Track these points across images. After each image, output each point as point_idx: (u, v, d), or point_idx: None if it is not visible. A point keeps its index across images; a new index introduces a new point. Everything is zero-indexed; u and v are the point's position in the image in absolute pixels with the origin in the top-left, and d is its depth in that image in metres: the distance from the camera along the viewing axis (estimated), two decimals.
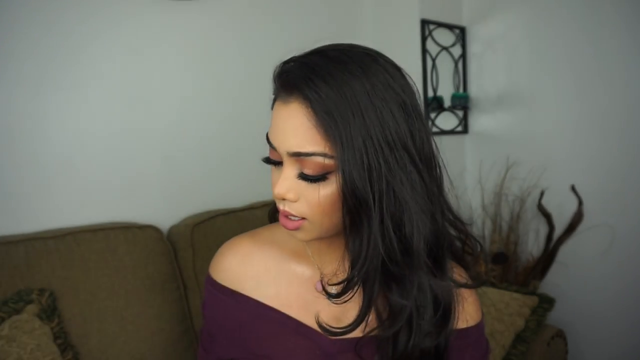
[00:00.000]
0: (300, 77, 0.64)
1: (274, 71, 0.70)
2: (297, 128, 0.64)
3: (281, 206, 0.69)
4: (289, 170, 0.67)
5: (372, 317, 0.71)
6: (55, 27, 1.48)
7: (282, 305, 0.78)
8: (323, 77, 0.63)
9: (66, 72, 1.51)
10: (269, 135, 0.69)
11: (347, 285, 0.68)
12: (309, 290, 0.78)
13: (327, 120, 0.62)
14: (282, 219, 0.70)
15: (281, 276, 0.79)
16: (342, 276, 0.71)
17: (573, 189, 2.10)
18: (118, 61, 1.60)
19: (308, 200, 0.67)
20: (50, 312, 1.28)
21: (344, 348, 0.75)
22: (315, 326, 0.74)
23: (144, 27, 1.65)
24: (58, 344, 1.25)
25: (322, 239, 0.73)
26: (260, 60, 1.91)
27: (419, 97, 0.70)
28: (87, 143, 1.55)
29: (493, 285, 1.97)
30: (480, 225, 2.27)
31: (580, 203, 2.07)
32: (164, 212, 1.68)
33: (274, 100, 0.70)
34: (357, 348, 0.73)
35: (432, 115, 2.28)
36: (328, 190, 0.65)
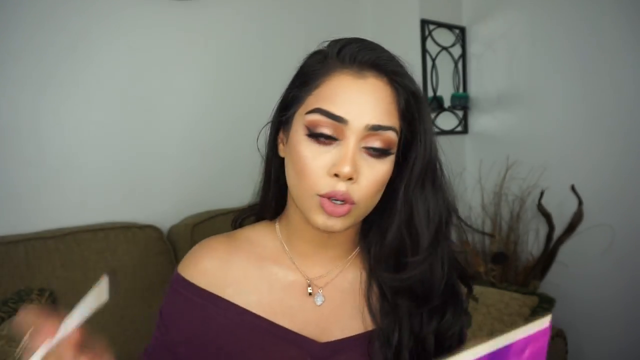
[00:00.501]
0: (384, 55, 0.68)
1: (343, 45, 0.69)
2: (379, 102, 0.66)
3: (342, 188, 0.65)
4: (355, 147, 0.65)
5: (365, 312, 0.73)
6: (55, 27, 1.48)
7: (266, 312, 0.72)
8: (396, 59, 0.70)
9: (66, 72, 1.51)
10: (331, 109, 0.65)
11: (419, 262, 0.70)
12: (293, 296, 0.74)
13: (410, 95, 0.69)
14: (328, 205, 0.65)
15: (262, 282, 0.74)
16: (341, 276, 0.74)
17: (573, 189, 2.10)
18: (118, 61, 1.60)
19: (367, 179, 0.66)
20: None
21: (335, 351, 0.72)
22: (303, 332, 0.72)
23: (145, 26, 1.65)
24: None
25: (309, 240, 0.74)
26: (260, 60, 1.91)
27: None
28: (87, 143, 1.55)
29: (493, 285, 1.97)
30: (480, 225, 2.27)
31: (580, 203, 2.07)
32: (164, 212, 1.68)
33: (325, 74, 0.67)
34: (369, 343, 0.71)
35: (432, 115, 2.28)
36: (386, 167, 0.68)
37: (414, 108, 0.69)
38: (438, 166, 0.72)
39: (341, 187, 0.64)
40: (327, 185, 0.65)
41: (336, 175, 0.64)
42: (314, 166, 0.65)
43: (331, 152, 0.65)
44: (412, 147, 0.70)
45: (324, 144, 0.65)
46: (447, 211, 0.73)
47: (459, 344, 0.75)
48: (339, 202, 0.65)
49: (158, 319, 0.77)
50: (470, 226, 0.78)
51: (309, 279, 0.75)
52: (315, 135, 0.66)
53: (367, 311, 0.73)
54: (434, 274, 0.72)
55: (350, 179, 0.65)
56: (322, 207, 0.65)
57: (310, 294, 0.74)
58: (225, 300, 0.73)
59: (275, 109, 0.74)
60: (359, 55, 0.67)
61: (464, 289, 0.78)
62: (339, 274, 0.75)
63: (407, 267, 0.71)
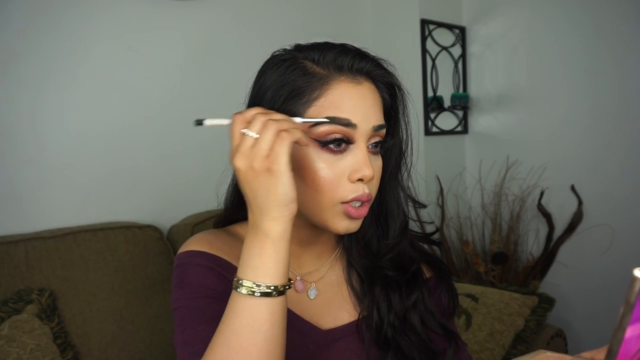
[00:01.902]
0: (371, 60, 0.71)
1: (349, 53, 0.69)
2: (376, 103, 0.70)
3: (366, 190, 0.67)
4: (366, 148, 0.68)
5: (353, 300, 0.78)
6: (55, 27, 1.48)
7: None
8: (377, 59, 0.73)
9: (66, 72, 1.51)
10: (341, 116, 0.66)
11: (390, 247, 0.77)
12: (289, 290, 0.75)
13: (393, 89, 0.74)
14: (354, 211, 0.67)
15: None
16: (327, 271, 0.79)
17: (573, 189, 2.10)
18: (118, 61, 1.60)
19: (376, 175, 0.70)
20: (50, 312, 1.28)
21: (336, 338, 0.75)
22: (307, 318, 0.75)
23: (143, 26, 1.65)
24: (58, 344, 1.25)
25: (303, 237, 0.76)
26: (260, 59, 1.91)
27: None
28: (87, 143, 1.55)
29: (493, 285, 1.97)
30: (480, 225, 2.27)
31: (580, 203, 2.07)
32: (164, 212, 1.68)
33: (323, 83, 0.67)
34: (358, 329, 0.75)
35: (432, 115, 2.28)
36: (381, 160, 0.72)
37: (398, 102, 0.75)
38: (407, 156, 0.78)
39: (365, 189, 0.68)
40: (351, 190, 0.67)
41: (359, 179, 0.67)
42: (332, 176, 0.67)
43: (345, 158, 0.67)
44: (389, 140, 0.76)
45: (337, 152, 0.67)
46: (412, 199, 0.80)
47: (449, 316, 0.81)
48: (359, 204, 0.68)
49: (183, 299, 0.69)
50: (423, 204, 0.82)
51: (300, 275, 0.78)
52: (328, 145, 0.66)
53: (353, 299, 0.78)
54: (404, 254, 0.78)
55: (372, 179, 0.68)
56: (348, 214, 0.68)
57: (295, 290, 0.77)
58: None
59: None
60: (354, 62, 0.69)
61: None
62: (329, 270, 0.79)
63: (380, 253, 0.78)
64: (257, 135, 0.58)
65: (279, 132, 0.58)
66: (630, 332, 0.34)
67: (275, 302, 0.60)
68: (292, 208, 0.60)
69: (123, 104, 1.61)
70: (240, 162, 0.59)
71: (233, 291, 0.60)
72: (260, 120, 0.59)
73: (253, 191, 0.59)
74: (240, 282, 0.60)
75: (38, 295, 1.28)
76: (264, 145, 0.58)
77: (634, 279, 0.33)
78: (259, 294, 0.59)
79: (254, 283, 0.59)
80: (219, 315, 0.63)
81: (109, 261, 1.43)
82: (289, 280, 0.62)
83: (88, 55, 1.54)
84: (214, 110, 1.83)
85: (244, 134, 0.59)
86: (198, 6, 1.76)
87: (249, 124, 0.60)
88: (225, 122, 0.63)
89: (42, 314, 1.26)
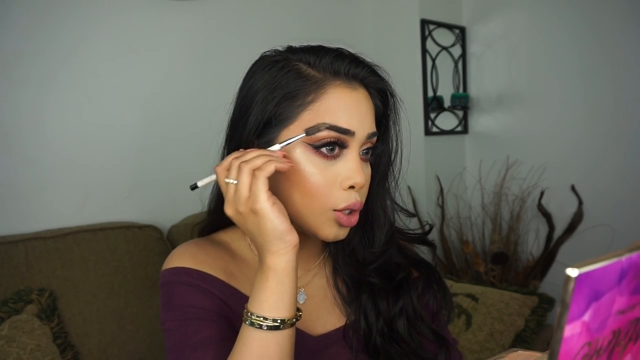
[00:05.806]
0: (365, 66, 0.70)
1: (345, 59, 0.68)
2: (369, 110, 0.69)
3: (358, 198, 0.67)
4: (358, 155, 0.68)
5: (340, 305, 0.77)
6: (57, 29, 1.48)
7: None
8: (372, 66, 0.72)
9: (66, 73, 1.51)
10: (338, 123, 0.65)
11: (377, 255, 0.76)
12: None
13: (385, 96, 0.73)
14: (345, 219, 0.67)
15: (249, 280, 0.74)
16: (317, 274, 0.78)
17: (573, 189, 2.10)
18: (119, 61, 1.60)
19: (366, 182, 0.69)
20: (50, 312, 1.28)
21: (327, 344, 0.74)
22: (298, 325, 0.73)
23: (144, 26, 1.65)
24: (58, 344, 1.25)
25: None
26: None
27: None
28: (87, 143, 1.55)
29: (493, 285, 1.97)
30: (480, 225, 2.27)
31: (580, 203, 2.07)
32: (164, 212, 1.68)
33: (319, 87, 0.66)
34: (345, 335, 0.74)
35: (432, 115, 2.28)
36: (369, 167, 0.72)
37: (389, 109, 0.74)
38: (397, 164, 0.76)
39: (357, 197, 0.67)
40: (343, 198, 0.66)
41: (351, 187, 0.66)
42: (324, 182, 0.66)
43: (337, 164, 0.66)
44: (380, 147, 0.75)
45: (330, 157, 0.66)
46: (398, 206, 0.79)
47: (443, 321, 0.80)
48: (348, 212, 0.67)
49: (173, 321, 0.68)
50: (411, 213, 0.82)
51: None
52: (321, 149, 0.66)
53: (341, 303, 0.77)
54: (390, 262, 0.77)
55: (362, 187, 0.68)
56: (339, 221, 0.67)
57: None
58: (234, 288, 0.71)
59: (239, 127, 0.70)
60: (350, 68, 0.68)
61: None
62: (316, 274, 0.78)
63: (365, 261, 0.77)
64: (236, 182, 0.61)
65: (252, 172, 0.61)
66: (569, 330, 0.34)
67: (283, 335, 0.61)
68: (290, 239, 0.61)
69: (123, 104, 1.61)
70: (229, 210, 0.63)
71: (243, 323, 0.62)
72: (234, 166, 0.62)
73: (249, 232, 0.63)
74: (249, 314, 0.61)
75: (38, 296, 1.28)
76: (242, 189, 0.61)
77: (567, 278, 0.33)
78: (265, 328, 0.60)
79: (261, 316, 0.61)
80: (210, 339, 0.64)
81: (109, 261, 1.43)
82: (298, 311, 0.63)
83: (89, 56, 1.54)
84: (216, 109, 1.83)
85: (227, 183, 0.62)
86: (198, 6, 1.76)
87: (228, 171, 0.63)
88: (213, 177, 0.68)
89: (42, 314, 1.26)
